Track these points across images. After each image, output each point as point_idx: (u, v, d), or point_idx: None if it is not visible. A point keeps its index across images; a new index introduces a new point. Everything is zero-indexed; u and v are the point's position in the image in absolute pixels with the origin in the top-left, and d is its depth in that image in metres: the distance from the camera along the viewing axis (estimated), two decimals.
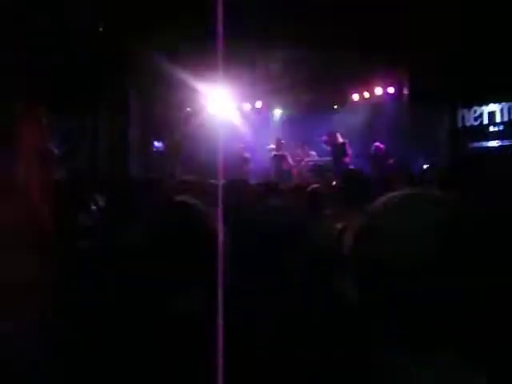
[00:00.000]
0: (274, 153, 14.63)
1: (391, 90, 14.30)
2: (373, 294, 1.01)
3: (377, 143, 13.45)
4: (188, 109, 14.52)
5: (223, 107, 13.77)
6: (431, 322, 0.97)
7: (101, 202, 3.91)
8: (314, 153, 15.02)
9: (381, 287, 0.99)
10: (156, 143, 12.56)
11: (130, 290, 1.72)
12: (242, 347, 1.41)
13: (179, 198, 1.84)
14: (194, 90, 12.08)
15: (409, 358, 0.98)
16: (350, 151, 13.70)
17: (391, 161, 12.61)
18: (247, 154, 14.42)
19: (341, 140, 13.81)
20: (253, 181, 6.60)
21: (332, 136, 13.90)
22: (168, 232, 1.71)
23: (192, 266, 1.58)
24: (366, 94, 15.11)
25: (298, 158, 14.78)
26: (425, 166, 10.76)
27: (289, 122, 16.35)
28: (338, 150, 13.69)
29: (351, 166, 13.03)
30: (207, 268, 1.35)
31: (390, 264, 0.98)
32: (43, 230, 1.85)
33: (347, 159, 13.52)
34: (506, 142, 11.62)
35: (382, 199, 1.09)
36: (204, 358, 1.18)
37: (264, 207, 2.99)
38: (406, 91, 13.69)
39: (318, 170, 13.88)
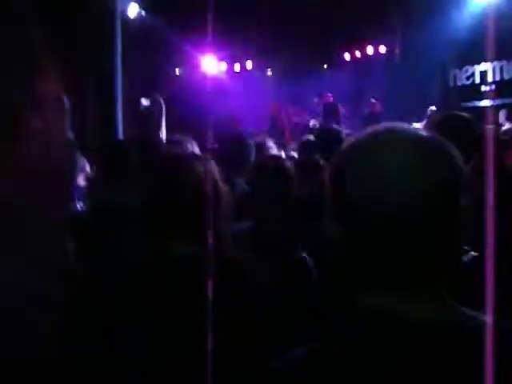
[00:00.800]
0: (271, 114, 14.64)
1: (383, 49, 14.16)
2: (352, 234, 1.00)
3: (372, 100, 13.30)
4: (177, 69, 14.40)
5: (214, 67, 13.64)
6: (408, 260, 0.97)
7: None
8: (305, 112, 14.93)
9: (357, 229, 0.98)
10: (143, 101, 12.39)
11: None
12: None
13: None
14: (184, 49, 11.96)
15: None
16: (341, 112, 13.63)
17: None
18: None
19: (331, 100, 13.75)
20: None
21: (322, 97, 13.82)
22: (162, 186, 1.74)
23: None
24: (358, 54, 14.96)
25: (292, 118, 14.77)
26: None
27: (280, 82, 16.20)
28: (329, 111, 13.62)
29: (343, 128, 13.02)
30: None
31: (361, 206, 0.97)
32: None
33: (338, 120, 13.45)
34: (498, 102, 11.60)
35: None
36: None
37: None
38: (397, 51, 13.59)
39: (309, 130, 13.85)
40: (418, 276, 0.98)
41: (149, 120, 11.96)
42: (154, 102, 12.13)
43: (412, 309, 0.97)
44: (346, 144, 1.05)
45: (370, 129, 1.05)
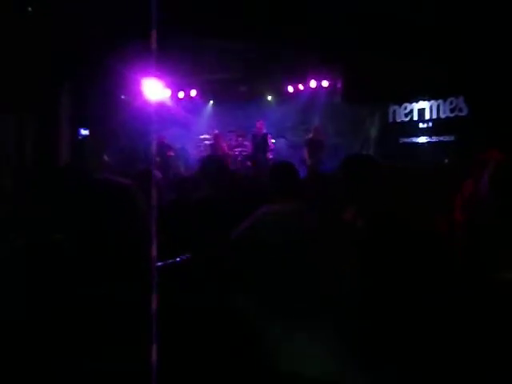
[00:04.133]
0: (208, 142, 14.63)
1: (325, 83, 14.45)
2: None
3: (315, 126, 13.56)
4: (122, 96, 14.27)
5: (158, 95, 13.58)
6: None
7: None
8: (247, 143, 15.04)
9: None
10: (82, 131, 12.24)
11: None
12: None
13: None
14: (128, 78, 11.88)
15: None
16: (270, 143, 13.86)
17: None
18: (167, 142, 13.92)
19: (264, 131, 13.91)
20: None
21: (256, 126, 14.01)
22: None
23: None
24: (301, 87, 15.22)
25: (234, 149, 14.86)
26: None
27: (223, 111, 16.30)
28: (259, 141, 13.79)
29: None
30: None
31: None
32: None
33: (266, 149, 13.70)
34: (434, 139, 11.97)
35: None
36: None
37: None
38: (339, 85, 13.88)
39: (251, 159, 13.97)
40: None
41: (85, 149, 11.83)
42: (92, 131, 12.04)
43: None
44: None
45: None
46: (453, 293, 1.47)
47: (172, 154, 13.40)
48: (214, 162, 4.67)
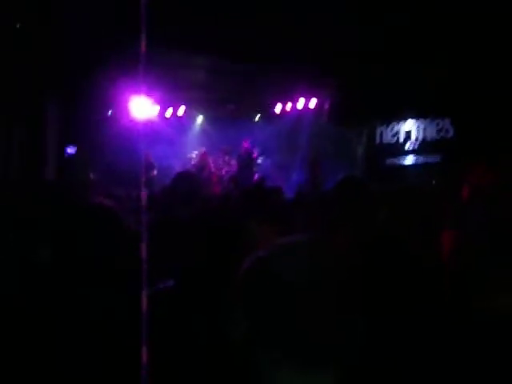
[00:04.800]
0: (194, 161, 14.58)
1: (312, 103, 14.48)
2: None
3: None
4: (109, 112, 14.22)
5: (145, 112, 13.53)
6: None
7: None
8: (233, 162, 15.00)
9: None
10: (68, 149, 12.17)
11: None
12: None
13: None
14: (116, 95, 11.85)
15: None
16: (255, 158, 13.90)
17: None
18: (152, 160, 13.84)
19: (250, 151, 13.94)
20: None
21: (243, 145, 14.02)
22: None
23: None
24: (288, 107, 15.23)
25: (221, 168, 14.83)
26: None
27: (211, 130, 16.28)
28: (245, 160, 13.80)
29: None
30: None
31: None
32: None
33: (251, 166, 13.73)
34: (420, 159, 12.02)
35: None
36: None
37: None
38: (327, 106, 13.93)
39: (235, 179, 13.95)
40: None
41: (72, 167, 11.76)
42: (79, 149, 11.98)
43: None
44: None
45: None
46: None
47: (155, 172, 13.31)
48: (184, 180, 4.51)
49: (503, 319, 1.34)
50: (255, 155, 13.97)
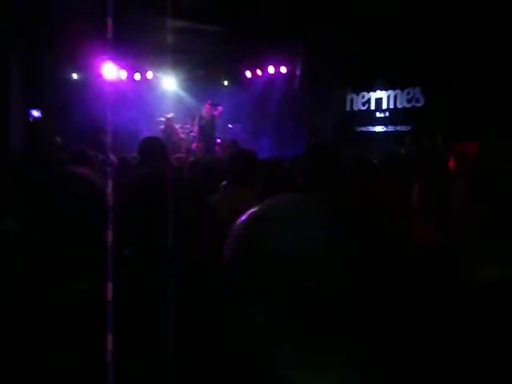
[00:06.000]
0: (162, 126, 14.38)
1: (283, 69, 14.38)
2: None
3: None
4: (75, 75, 13.93)
5: (114, 76, 13.29)
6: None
7: None
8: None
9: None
10: (33, 112, 11.89)
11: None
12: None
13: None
14: (83, 58, 11.59)
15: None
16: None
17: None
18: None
19: (214, 113, 13.80)
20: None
21: (204, 107, 13.87)
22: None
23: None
24: (259, 72, 15.10)
25: (190, 133, 14.64)
26: None
27: (180, 94, 16.09)
28: (207, 123, 13.68)
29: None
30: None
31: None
32: None
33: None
34: (390, 128, 12.06)
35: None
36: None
37: None
38: (298, 72, 13.84)
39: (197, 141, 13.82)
40: None
41: (38, 131, 11.50)
42: (44, 113, 11.70)
43: None
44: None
45: None
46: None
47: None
48: (149, 144, 4.62)
49: (497, 289, 1.32)
50: (216, 113, 13.81)
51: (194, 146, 13.88)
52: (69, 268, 1.56)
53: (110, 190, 1.19)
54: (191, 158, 8.37)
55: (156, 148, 4.57)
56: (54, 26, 10.10)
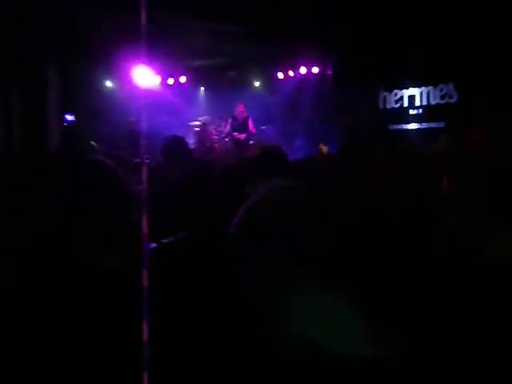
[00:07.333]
0: (197, 129, 14.52)
1: (315, 69, 14.39)
2: None
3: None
4: (109, 82, 14.15)
5: (147, 81, 13.47)
6: None
7: None
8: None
9: None
10: (67, 116, 12.12)
11: None
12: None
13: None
14: (117, 64, 11.78)
15: None
16: (251, 126, 13.76)
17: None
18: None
19: (244, 114, 13.82)
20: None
21: (237, 109, 13.89)
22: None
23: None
24: (291, 73, 15.13)
25: (222, 135, 14.72)
26: None
27: (213, 98, 16.21)
28: (240, 124, 13.71)
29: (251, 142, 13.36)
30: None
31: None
32: None
33: (245, 135, 13.64)
34: (424, 125, 11.96)
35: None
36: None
37: None
38: (329, 72, 13.85)
39: (241, 145, 13.89)
40: None
41: (73, 135, 11.73)
42: (79, 118, 11.93)
43: None
44: None
45: None
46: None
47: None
48: (173, 144, 4.68)
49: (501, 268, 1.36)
50: (250, 120, 13.86)
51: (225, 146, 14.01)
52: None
53: (145, 186, 1.26)
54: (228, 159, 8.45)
55: (176, 147, 4.64)
56: (90, 34, 10.31)
